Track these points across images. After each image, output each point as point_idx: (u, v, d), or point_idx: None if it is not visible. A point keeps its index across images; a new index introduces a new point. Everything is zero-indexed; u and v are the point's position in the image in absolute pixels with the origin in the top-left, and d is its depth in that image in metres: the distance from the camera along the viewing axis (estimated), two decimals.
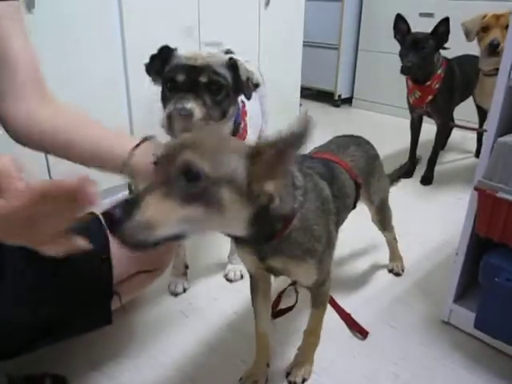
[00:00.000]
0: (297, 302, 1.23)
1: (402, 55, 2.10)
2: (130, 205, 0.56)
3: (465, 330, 1.28)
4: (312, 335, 1.12)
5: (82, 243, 0.64)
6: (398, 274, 1.57)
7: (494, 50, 1.97)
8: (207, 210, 0.61)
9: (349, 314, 1.33)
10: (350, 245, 1.71)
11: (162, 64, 1.13)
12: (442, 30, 2.01)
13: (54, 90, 0.93)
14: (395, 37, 2.14)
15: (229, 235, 0.79)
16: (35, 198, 0.52)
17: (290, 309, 1.27)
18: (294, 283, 1.18)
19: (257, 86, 1.18)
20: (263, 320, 1.09)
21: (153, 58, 1.15)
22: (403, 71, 2.07)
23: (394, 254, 1.59)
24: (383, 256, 1.59)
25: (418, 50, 2.04)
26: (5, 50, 0.83)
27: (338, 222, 1.02)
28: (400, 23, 2.10)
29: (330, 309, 1.36)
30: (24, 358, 1.14)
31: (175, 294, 1.45)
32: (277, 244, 0.80)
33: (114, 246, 0.92)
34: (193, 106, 1.03)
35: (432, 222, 1.94)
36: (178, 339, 1.28)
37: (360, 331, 1.29)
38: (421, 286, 1.51)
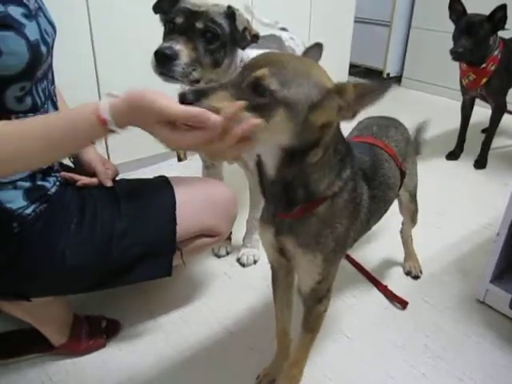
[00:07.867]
0: None
1: (454, 38, 2.03)
2: (201, 93, 0.66)
3: (499, 310, 1.31)
4: (295, 367, 1.01)
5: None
6: (416, 277, 1.46)
7: None
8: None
9: (385, 286, 1.38)
10: (390, 222, 1.74)
11: (171, 5, 1.08)
12: (500, 15, 1.93)
13: None
14: (450, 17, 2.07)
15: (261, 180, 0.81)
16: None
17: None
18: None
19: (256, 37, 1.11)
20: (284, 317, 1.04)
21: None
22: (453, 56, 2.00)
23: (411, 253, 1.49)
24: (421, 234, 1.60)
25: (472, 34, 1.96)
26: None
27: (364, 229, 0.97)
28: (455, 3, 2.04)
29: (367, 282, 1.42)
30: (87, 301, 1.28)
31: (218, 256, 1.56)
32: (295, 223, 0.80)
33: (180, 208, 1.06)
34: (181, 48, 0.98)
35: (475, 204, 1.93)
36: (221, 296, 1.38)
37: (400, 302, 1.34)
38: (458, 266, 1.53)
